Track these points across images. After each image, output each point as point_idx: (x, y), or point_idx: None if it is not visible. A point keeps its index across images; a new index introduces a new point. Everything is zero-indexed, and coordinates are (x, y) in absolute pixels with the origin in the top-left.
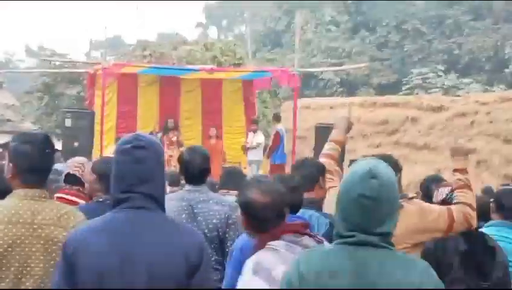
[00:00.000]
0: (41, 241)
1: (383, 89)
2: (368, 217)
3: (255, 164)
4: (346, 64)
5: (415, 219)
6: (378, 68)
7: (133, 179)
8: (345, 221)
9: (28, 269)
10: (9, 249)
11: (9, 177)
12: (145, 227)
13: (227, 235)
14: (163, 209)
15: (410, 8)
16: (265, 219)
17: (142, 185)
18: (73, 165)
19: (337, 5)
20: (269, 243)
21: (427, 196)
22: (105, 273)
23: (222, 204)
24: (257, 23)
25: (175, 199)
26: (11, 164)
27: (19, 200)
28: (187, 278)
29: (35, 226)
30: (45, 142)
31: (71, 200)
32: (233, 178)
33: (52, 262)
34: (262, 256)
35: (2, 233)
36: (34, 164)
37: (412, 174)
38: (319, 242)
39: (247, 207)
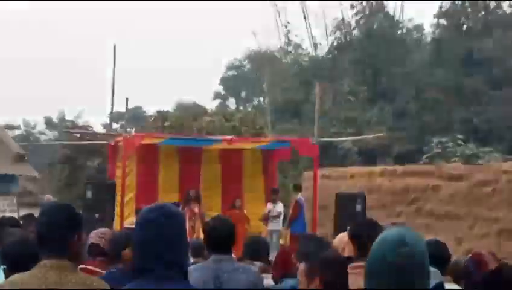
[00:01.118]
0: None
1: (402, 158)
2: (401, 284)
3: (275, 234)
4: (365, 134)
5: None
6: (397, 137)
7: (156, 248)
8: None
9: None
10: None
11: (38, 246)
12: None
13: None
14: (187, 278)
15: (428, 77)
16: None
17: (166, 253)
18: (97, 235)
19: (355, 76)
20: None
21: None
22: None
23: (248, 273)
24: (276, 94)
25: (201, 269)
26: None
27: (44, 271)
28: None
29: None
30: (69, 211)
31: (95, 271)
32: (257, 248)
33: None
34: None
35: None
36: (60, 234)
37: None
38: None
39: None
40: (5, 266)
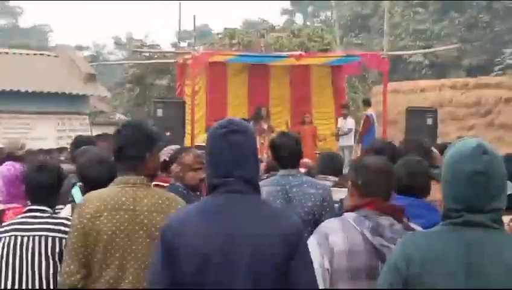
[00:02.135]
0: (144, 228)
1: (473, 71)
2: (481, 193)
3: (346, 150)
4: (435, 46)
5: None
6: (468, 49)
7: (228, 163)
8: (455, 200)
9: (133, 255)
10: (113, 235)
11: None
12: (243, 210)
13: (323, 219)
14: (258, 192)
15: None
16: (378, 185)
17: (238, 169)
18: (168, 152)
19: None
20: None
21: None
22: (207, 255)
23: (317, 187)
24: (343, 8)
25: (269, 184)
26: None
27: (121, 187)
28: (286, 260)
29: (137, 213)
30: (146, 128)
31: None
32: (331, 164)
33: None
34: (328, 222)
35: (106, 220)
36: (137, 151)
37: None
38: (407, 229)
39: (363, 170)
40: (81, 183)
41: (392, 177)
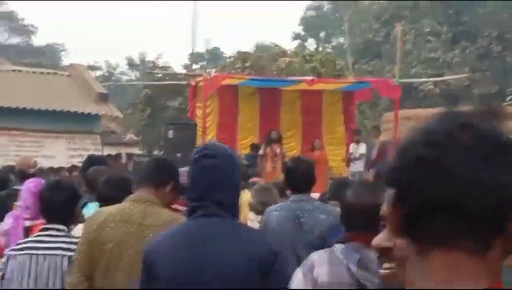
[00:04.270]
0: None
1: (484, 100)
2: None
3: (357, 175)
4: (447, 75)
5: None
6: (479, 79)
7: (202, 187)
8: None
9: (135, 268)
10: (117, 246)
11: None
12: (215, 234)
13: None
14: (235, 215)
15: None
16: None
17: (212, 193)
18: (182, 174)
19: (436, 16)
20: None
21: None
22: (176, 279)
23: (328, 213)
24: (355, 35)
25: (281, 209)
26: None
27: (131, 203)
28: (258, 283)
29: (143, 227)
30: (164, 157)
31: (180, 210)
32: (344, 190)
33: None
34: (316, 253)
35: (111, 231)
36: (148, 173)
37: None
38: None
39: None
40: (94, 203)
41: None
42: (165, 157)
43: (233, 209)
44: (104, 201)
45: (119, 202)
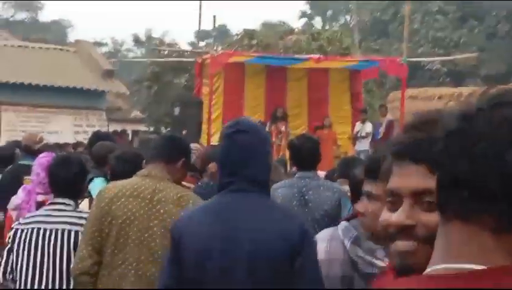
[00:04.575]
0: (160, 218)
1: (491, 80)
2: None
3: (363, 154)
4: (454, 54)
5: None
6: (487, 58)
7: (235, 163)
8: None
9: (145, 243)
10: (128, 221)
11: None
12: (247, 210)
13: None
14: (266, 192)
15: None
16: None
17: (245, 169)
18: (196, 151)
19: None
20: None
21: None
22: (206, 254)
23: (333, 190)
24: (363, 13)
25: (286, 185)
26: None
27: (141, 178)
28: (287, 259)
29: (154, 203)
30: (173, 133)
31: (186, 186)
32: (353, 168)
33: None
34: (322, 232)
35: (122, 205)
36: (159, 150)
37: None
38: None
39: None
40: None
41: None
42: (176, 134)
43: (265, 186)
44: (116, 176)
45: (130, 177)
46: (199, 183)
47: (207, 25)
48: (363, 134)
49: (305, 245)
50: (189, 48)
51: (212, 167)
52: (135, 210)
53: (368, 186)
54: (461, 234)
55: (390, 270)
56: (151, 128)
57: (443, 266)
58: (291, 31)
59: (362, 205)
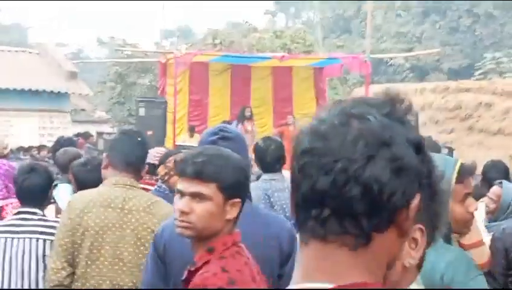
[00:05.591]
0: (131, 227)
1: (454, 74)
2: None
3: None
4: (417, 49)
5: None
6: (449, 53)
7: None
8: None
9: (118, 252)
10: (101, 232)
11: (103, 167)
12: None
13: None
14: (250, 198)
15: None
16: None
17: None
18: (153, 154)
19: None
20: None
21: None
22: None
23: None
24: (325, 10)
25: (252, 188)
26: (106, 155)
27: (110, 187)
28: (280, 268)
29: (125, 212)
30: (138, 134)
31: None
32: None
33: (141, 248)
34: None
35: (94, 216)
36: (127, 155)
37: (488, 159)
38: None
39: None
40: (69, 185)
41: None
42: (141, 139)
43: (248, 191)
44: (80, 183)
45: (96, 185)
46: (157, 187)
47: (171, 25)
48: None
49: (295, 251)
50: (153, 48)
51: (162, 170)
52: (107, 221)
53: None
54: (319, 252)
55: None
56: (116, 129)
57: (299, 286)
58: (255, 29)
59: None
